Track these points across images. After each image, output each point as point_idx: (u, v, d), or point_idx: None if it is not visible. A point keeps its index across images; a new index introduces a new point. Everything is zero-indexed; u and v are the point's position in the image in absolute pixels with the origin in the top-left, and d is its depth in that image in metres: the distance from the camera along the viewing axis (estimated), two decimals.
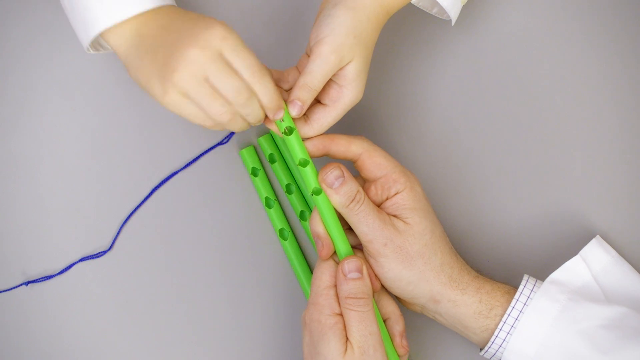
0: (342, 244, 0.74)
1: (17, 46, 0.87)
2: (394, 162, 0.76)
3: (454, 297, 0.74)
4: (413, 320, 0.81)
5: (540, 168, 0.84)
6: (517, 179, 0.84)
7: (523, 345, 0.73)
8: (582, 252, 0.77)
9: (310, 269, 0.83)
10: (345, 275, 0.72)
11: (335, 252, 0.75)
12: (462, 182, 0.84)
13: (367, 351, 0.71)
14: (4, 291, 0.84)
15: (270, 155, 0.84)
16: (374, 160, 0.75)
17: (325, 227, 0.74)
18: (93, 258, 0.84)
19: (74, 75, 0.87)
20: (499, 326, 0.74)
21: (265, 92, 0.71)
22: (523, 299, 0.74)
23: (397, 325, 0.75)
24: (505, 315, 0.74)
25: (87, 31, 0.72)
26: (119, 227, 0.84)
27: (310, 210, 0.83)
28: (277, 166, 0.84)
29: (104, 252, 0.84)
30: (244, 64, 0.70)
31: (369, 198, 0.75)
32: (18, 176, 0.85)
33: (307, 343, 0.73)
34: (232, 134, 0.86)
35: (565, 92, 0.85)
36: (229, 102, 0.70)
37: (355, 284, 0.72)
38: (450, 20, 0.79)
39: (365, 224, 0.73)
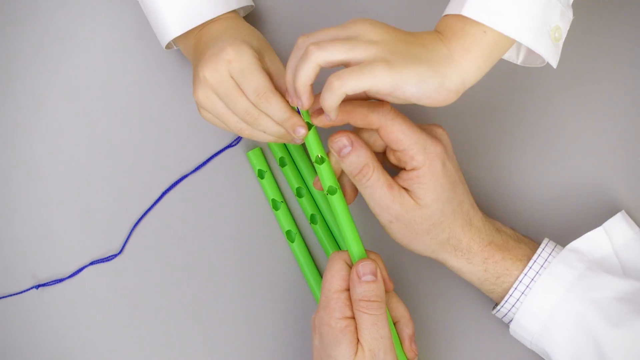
0: (356, 246, 0.74)
1: (28, 50, 0.87)
2: (414, 138, 0.72)
3: (458, 265, 0.75)
4: (422, 324, 0.81)
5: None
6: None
7: (536, 307, 0.74)
8: (605, 224, 0.76)
9: (318, 271, 0.83)
10: (359, 278, 0.72)
11: (348, 255, 0.74)
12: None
13: (378, 354, 0.71)
14: (14, 294, 0.84)
15: (281, 158, 0.84)
16: (390, 137, 0.73)
17: (339, 228, 0.74)
18: (103, 262, 0.84)
19: (85, 80, 0.87)
20: (514, 285, 0.74)
21: (273, 112, 0.72)
22: (541, 260, 0.74)
23: (407, 328, 0.75)
24: (522, 275, 0.74)
25: (162, 37, 0.79)
26: (129, 231, 0.84)
27: (321, 214, 0.83)
28: (288, 169, 0.84)
29: (114, 256, 0.84)
30: (249, 86, 0.71)
31: (390, 163, 0.75)
32: (28, 180, 0.85)
33: (316, 346, 0.73)
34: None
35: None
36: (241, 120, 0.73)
37: (369, 286, 0.72)
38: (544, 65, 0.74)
39: (372, 198, 0.73)
